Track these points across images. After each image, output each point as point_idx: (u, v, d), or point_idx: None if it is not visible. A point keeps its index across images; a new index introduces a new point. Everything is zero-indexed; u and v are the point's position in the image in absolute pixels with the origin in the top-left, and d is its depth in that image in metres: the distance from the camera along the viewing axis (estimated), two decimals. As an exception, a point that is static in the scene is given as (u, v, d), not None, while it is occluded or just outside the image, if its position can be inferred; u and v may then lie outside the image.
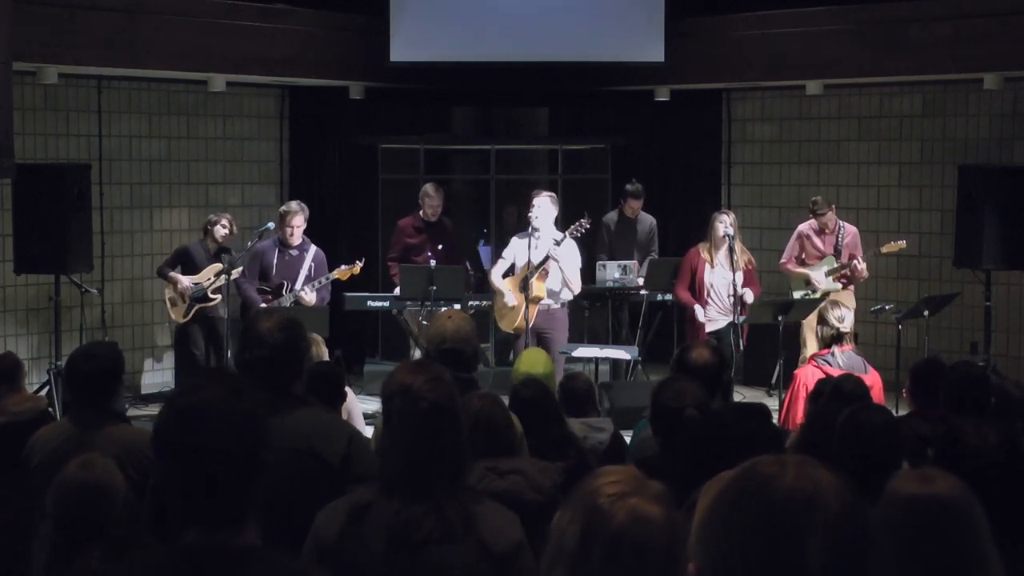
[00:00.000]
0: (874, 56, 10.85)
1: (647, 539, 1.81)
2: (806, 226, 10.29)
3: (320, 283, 9.54)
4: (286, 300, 9.44)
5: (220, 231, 10.27)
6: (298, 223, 9.48)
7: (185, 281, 10.18)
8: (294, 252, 9.56)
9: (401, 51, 11.59)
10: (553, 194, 9.51)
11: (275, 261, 9.56)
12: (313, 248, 9.65)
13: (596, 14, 11.73)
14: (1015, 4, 10.14)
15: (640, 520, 1.81)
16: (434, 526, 2.92)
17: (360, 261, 9.75)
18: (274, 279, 9.56)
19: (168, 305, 10.36)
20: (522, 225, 9.61)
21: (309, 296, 9.44)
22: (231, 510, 2.24)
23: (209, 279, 10.08)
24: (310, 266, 9.58)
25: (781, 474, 1.58)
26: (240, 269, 9.64)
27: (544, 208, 9.18)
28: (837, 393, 5.20)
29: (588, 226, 9.39)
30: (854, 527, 1.56)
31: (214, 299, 10.06)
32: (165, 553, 2.29)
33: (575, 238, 9.28)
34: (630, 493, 1.83)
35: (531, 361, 5.90)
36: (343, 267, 9.69)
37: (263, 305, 9.27)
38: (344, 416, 5.55)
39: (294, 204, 9.69)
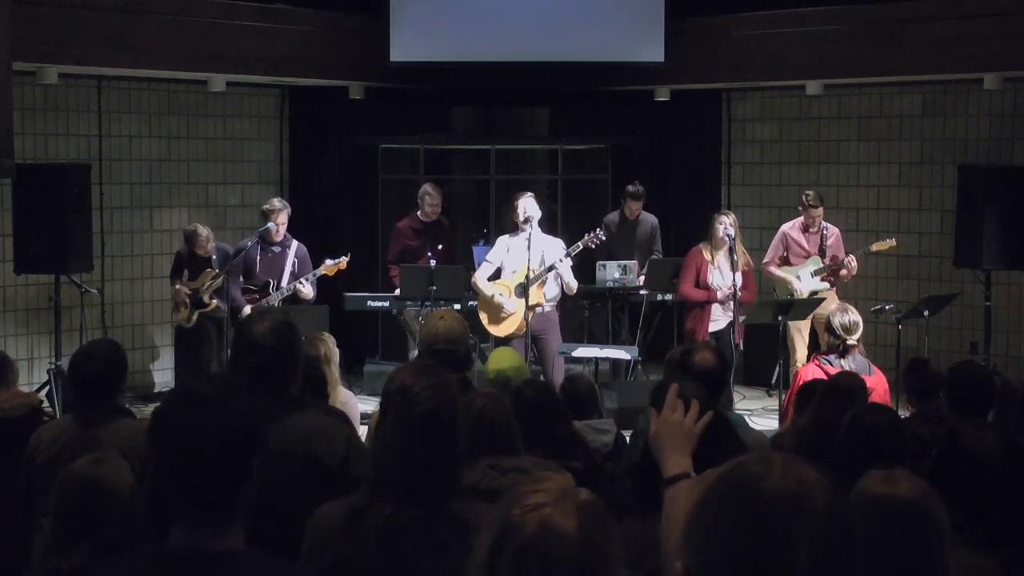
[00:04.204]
0: (874, 56, 10.84)
1: (555, 552, 1.77)
2: (789, 225, 10.27)
3: (309, 279, 9.54)
4: (275, 298, 9.44)
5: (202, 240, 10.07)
6: (283, 220, 9.56)
7: (183, 288, 10.03)
8: (276, 249, 9.63)
9: (401, 51, 11.58)
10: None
11: (258, 258, 9.60)
12: (295, 243, 9.67)
13: (596, 14, 11.73)
14: (1015, 4, 10.13)
15: (550, 533, 1.77)
16: (423, 536, 2.90)
17: (346, 256, 9.72)
18: (259, 276, 9.58)
19: (173, 309, 10.29)
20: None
21: (307, 289, 9.46)
22: (217, 508, 2.24)
23: (206, 284, 10.01)
24: (293, 262, 9.62)
25: (768, 473, 1.59)
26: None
27: (534, 207, 9.22)
28: (834, 392, 4.93)
29: (604, 238, 9.53)
30: (841, 525, 1.57)
31: (210, 304, 9.92)
32: (149, 554, 2.29)
33: (590, 249, 9.46)
34: (546, 504, 1.80)
35: (507, 357, 5.88)
36: (329, 262, 9.63)
37: (248, 307, 9.27)
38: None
39: (277, 202, 9.75)
